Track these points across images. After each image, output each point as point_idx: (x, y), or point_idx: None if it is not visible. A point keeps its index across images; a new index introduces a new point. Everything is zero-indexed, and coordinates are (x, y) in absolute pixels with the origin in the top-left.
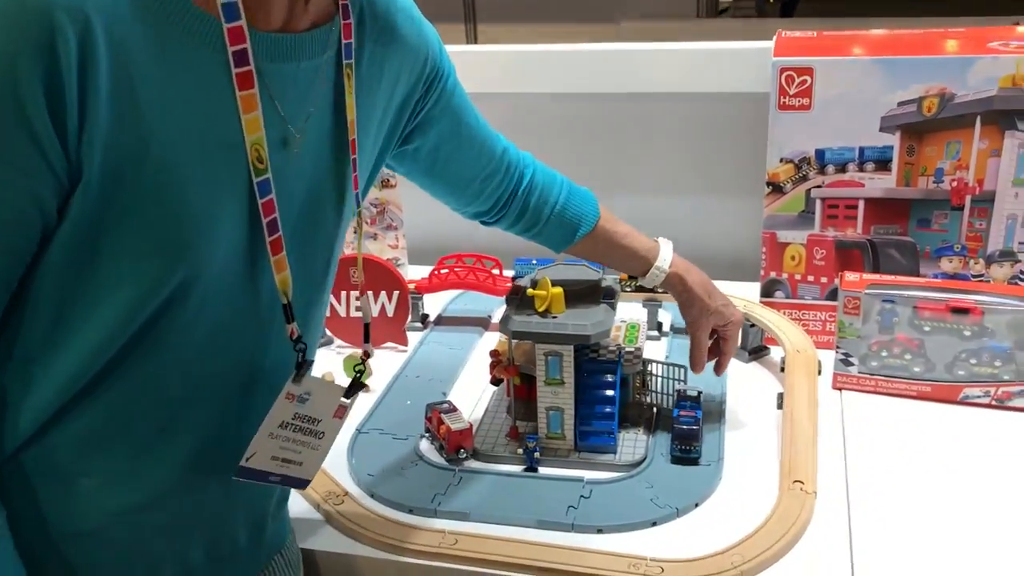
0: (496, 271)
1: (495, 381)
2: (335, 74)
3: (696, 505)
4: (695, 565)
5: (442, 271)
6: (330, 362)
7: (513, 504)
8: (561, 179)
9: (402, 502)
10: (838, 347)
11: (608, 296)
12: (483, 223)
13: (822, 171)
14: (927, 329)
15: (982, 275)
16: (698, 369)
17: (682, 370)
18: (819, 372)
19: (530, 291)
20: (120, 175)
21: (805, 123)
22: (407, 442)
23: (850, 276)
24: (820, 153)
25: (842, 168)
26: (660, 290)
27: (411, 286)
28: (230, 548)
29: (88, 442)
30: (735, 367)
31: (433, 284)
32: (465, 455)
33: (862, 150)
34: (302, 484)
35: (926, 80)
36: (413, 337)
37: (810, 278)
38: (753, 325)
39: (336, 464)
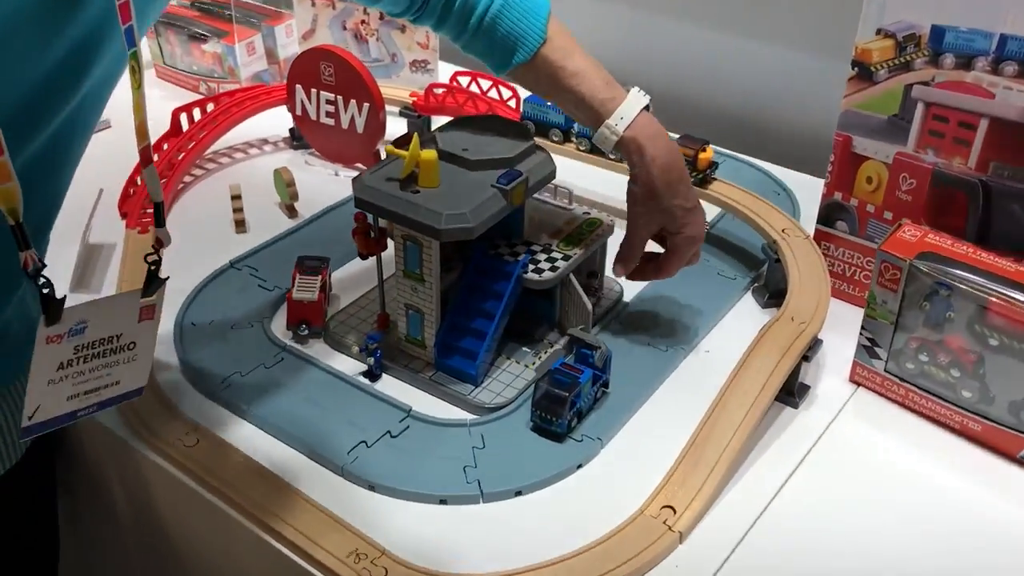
0: (512, 103)
1: (362, 255)
2: None
3: (517, 494)
4: None
5: (437, 91)
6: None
7: (306, 414)
8: None
9: (202, 368)
10: (864, 328)
11: (516, 176)
12: (410, 21)
13: (935, 61)
14: (994, 343)
15: None
16: (618, 270)
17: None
18: (807, 358)
19: (388, 147)
20: None
21: None
22: (268, 294)
23: (908, 231)
24: (938, 32)
25: (966, 63)
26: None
27: (410, 100)
28: None
29: None
30: (741, 310)
31: (429, 104)
32: (306, 332)
33: (1003, 39)
34: (135, 395)
35: None
36: None
37: (887, 215)
38: (778, 260)
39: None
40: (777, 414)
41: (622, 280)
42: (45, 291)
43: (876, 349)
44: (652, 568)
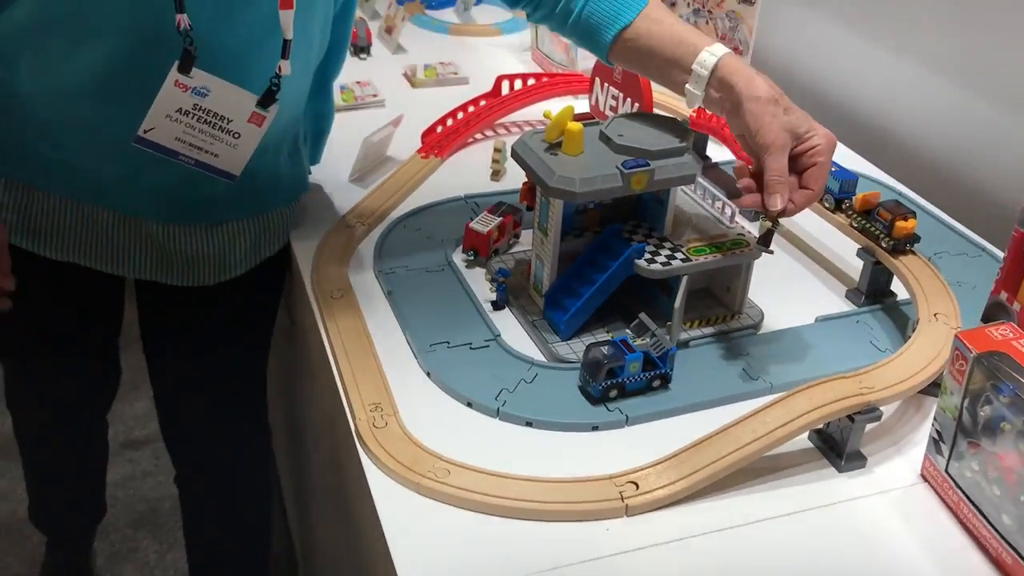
0: None
1: (527, 207)
2: None
3: (528, 424)
4: None
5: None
6: None
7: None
8: None
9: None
10: (935, 419)
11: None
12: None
13: None
14: None
15: None
16: (775, 201)
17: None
18: (852, 418)
19: (545, 112)
20: None
21: None
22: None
23: (1001, 329)
24: None
25: None
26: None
27: (688, 115)
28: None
29: (20, 37)
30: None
31: (702, 121)
32: (472, 258)
33: None
34: (225, 175)
35: None
36: None
37: None
38: (878, 263)
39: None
40: (818, 467)
41: (768, 307)
42: (187, 48)
43: (941, 444)
44: (587, 519)
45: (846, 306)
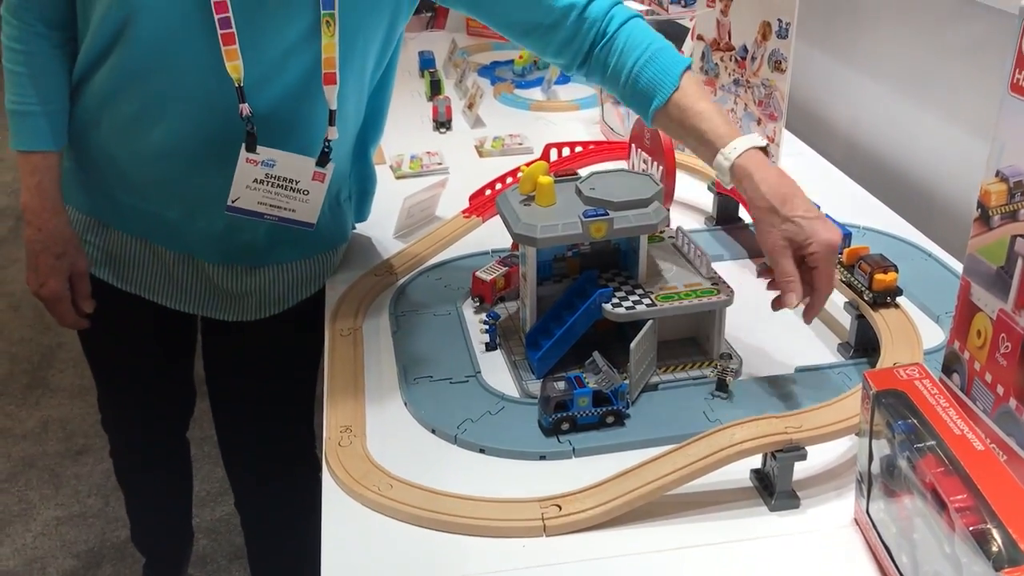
0: None
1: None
2: None
3: (480, 451)
4: None
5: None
6: None
7: (433, 353)
8: (649, 43)
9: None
10: (857, 461)
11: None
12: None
13: None
14: (920, 505)
15: None
16: (790, 300)
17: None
18: (774, 456)
19: (522, 165)
20: None
21: None
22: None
23: (908, 370)
24: None
25: None
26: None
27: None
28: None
29: (101, 102)
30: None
31: None
32: (478, 304)
33: None
34: (306, 226)
35: None
36: None
37: (988, 377)
38: (861, 316)
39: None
40: (751, 504)
41: (752, 357)
42: (249, 131)
43: (861, 486)
44: (505, 536)
45: (834, 359)
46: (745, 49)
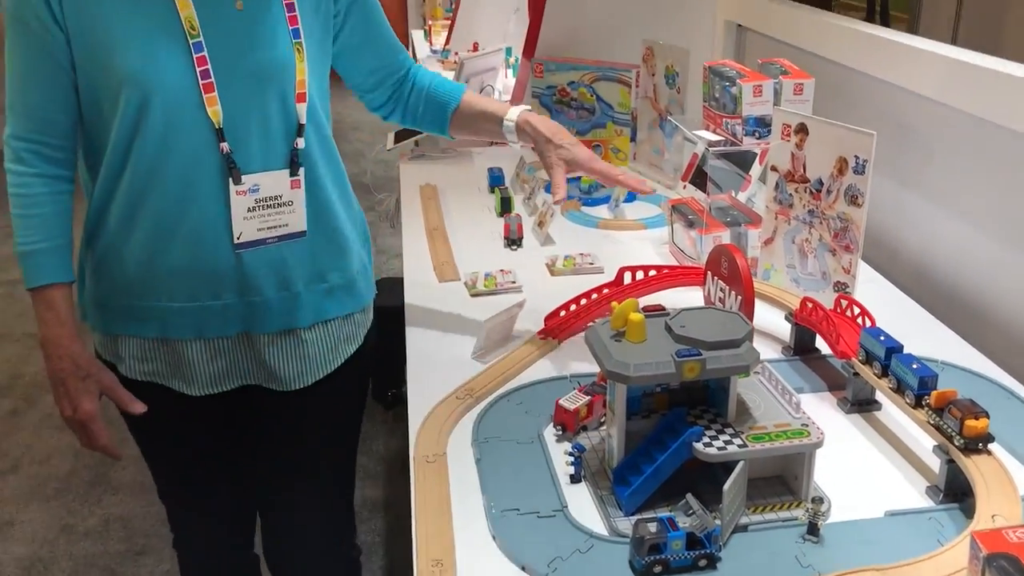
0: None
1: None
2: None
3: None
4: None
5: (809, 304)
6: None
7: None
8: (432, 77)
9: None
10: None
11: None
12: (383, 116)
13: None
14: None
15: None
16: (556, 196)
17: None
18: None
19: (613, 303)
20: (86, 34)
21: None
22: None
23: (1018, 532)
24: None
25: None
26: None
27: (793, 307)
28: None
29: (123, 215)
30: None
31: (804, 315)
32: (561, 432)
33: None
34: (299, 235)
35: None
36: None
37: None
38: (952, 461)
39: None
40: None
41: (841, 498)
42: (231, 167)
43: None
44: None
45: (924, 502)
46: (820, 182)
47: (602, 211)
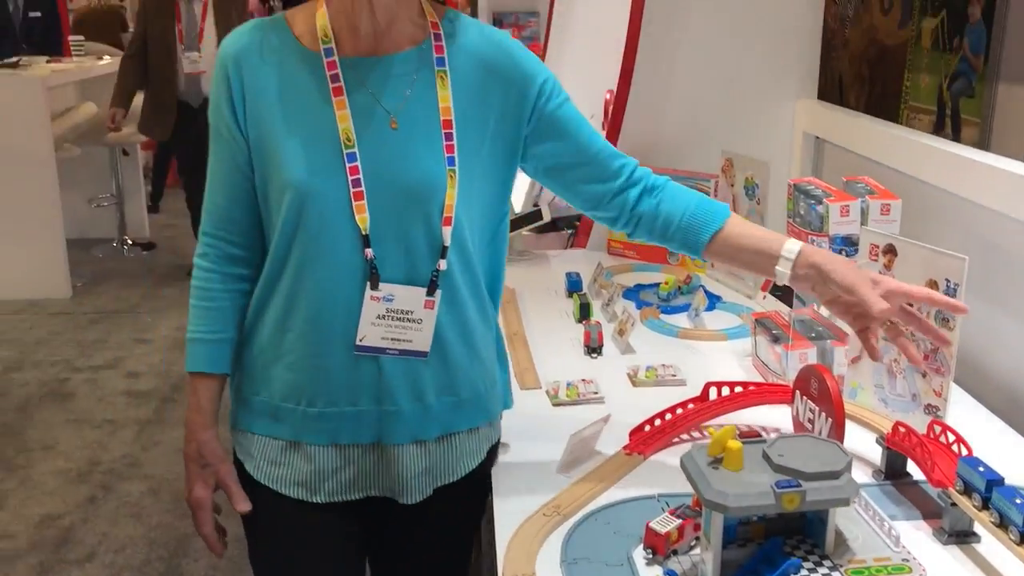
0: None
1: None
2: (431, 77)
3: None
4: None
5: (901, 429)
6: None
7: None
8: (691, 193)
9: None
10: None
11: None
12: (627, 234)
13: None
14: None
15: None
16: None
17: None
18: None
19: (710, 430)
20: (261, 141)
21: None
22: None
23: None
24: None
25: None
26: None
27: (884, 431)
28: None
29: (279, 319)
30: None
31: (897, 440)
32: (651, 556)
33: None
34: (420, 355)
35: None
36: None
37: None
38: None
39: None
40: None
41: None
42: (373, 272)
43: None
44: None
45: None
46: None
47: (682, 319)
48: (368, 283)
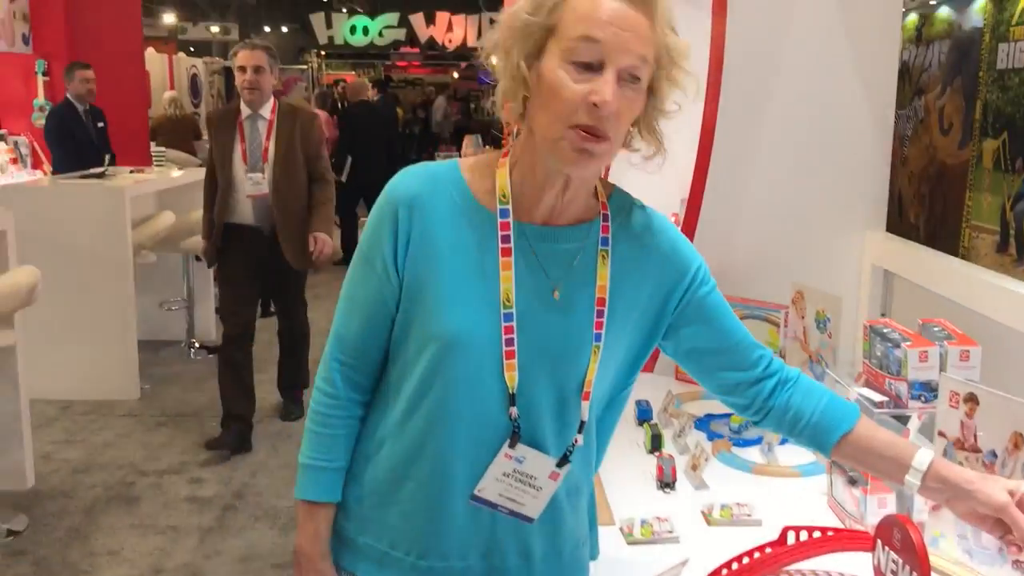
0: None
1: None
2: (594, 254)
3: None
4: None
5: None
6: None
7: None
8: (823, 390)
9: None
10: None
11: None
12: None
13: None
14: None
15: None
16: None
17: None
18: None
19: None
20: (416, 286)
21: None
22: None
23: None
24: None
25: None
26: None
27: None
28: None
29: (407, 455)
30: None
31: None
32: None
33: None
34: (527, 519)
35: None
36: None
37: None
38: None
39: None
40: None
41: None
42: (515, 431)
43: None
44: None
45: None
46: (994, 454)
47: (754, 453)
48: (508, 441)
